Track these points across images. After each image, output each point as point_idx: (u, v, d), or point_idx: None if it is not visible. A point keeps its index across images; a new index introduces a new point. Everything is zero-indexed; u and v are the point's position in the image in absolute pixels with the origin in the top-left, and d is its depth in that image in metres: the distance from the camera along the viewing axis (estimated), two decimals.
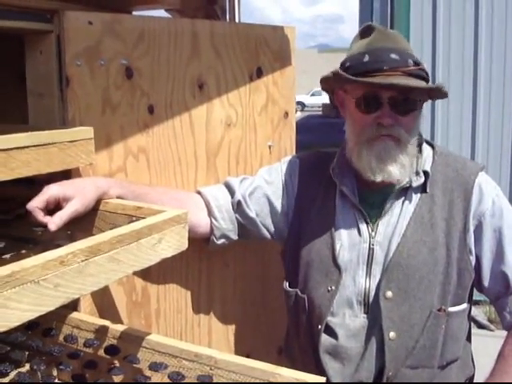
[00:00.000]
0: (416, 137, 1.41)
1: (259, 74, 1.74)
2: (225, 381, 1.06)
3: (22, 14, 1.22)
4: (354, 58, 1.36)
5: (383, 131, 1.35)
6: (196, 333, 1.66)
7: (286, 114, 1.87)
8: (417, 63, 1.35)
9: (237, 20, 1.93)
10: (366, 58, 1.34)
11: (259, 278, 1.86)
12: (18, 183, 1.12)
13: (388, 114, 1.34)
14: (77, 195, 1.17)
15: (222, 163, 1.67)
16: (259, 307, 1.87)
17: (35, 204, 1.13)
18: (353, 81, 1.34)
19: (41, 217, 1.13)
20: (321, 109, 28.93)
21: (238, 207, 1.53)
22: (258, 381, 1.03)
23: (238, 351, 1.75)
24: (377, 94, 1.34)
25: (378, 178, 1.38)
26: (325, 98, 31.39)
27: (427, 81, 1.37)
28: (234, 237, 1.55)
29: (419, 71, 1.35)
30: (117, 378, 1.18)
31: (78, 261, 0.86)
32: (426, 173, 1.42)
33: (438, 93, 1.41)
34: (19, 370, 1.17)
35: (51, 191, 1.16)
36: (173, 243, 1.08)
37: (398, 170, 1.37)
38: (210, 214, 1.51)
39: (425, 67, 1.38)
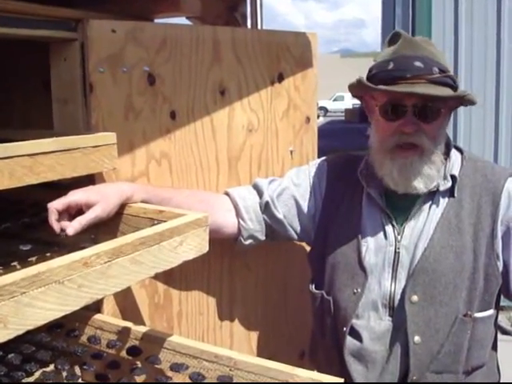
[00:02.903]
0: (441, 145, 1.40)
1: (280, 79, 1.74)
2: (244, 381, 1.07)
3: (47, 23, 1.25)
4: (380, 66, 1.37)
5: (406, 139, 1.34)
6: (218, 335, 1.67)
7: (308, 119, 1.87)
8: (443, 70, 1.32)
9: (259, 26, 1.94)
10: (391, 66, 1.34)
11: (281, 281, 1.86)
12: (45, 188, 1.15)
13: (410, 122, 1.33)
14: (100, 201, 1.19)
15: (244, 168, 1.69)
16: (281, 310, 1.87)
17: (55, 205, 1.15)
18: (373, 89, 1.34)
19: (54, 218, 1.14)
20: (343, 114, 28.82)
21: (265, 208, 1.54)
22: (275, 381, 1.04)
23: (260, 354, 1.76)
24: (400, 101, 1.33)
25: (401, 190, 1.39)
26: (347, 104, 31.30)
27: (454, 88, 1.35)
28: (262, 237, 1.56)
29: (445, 79, 1.33)
30: (139, 378, 1.20)
31: (101, 262, 0.88)
32: (453, 177, 1.41)
33: (465, 100, 1.38)
34: (44, 369, 1.19)
35: (74, 196, 1.18)
36: (194, 246, 1.09)
37: (422, 183, 1.37)
38: (238, 214, 1.52)
39: (451, 74, 1.35)
